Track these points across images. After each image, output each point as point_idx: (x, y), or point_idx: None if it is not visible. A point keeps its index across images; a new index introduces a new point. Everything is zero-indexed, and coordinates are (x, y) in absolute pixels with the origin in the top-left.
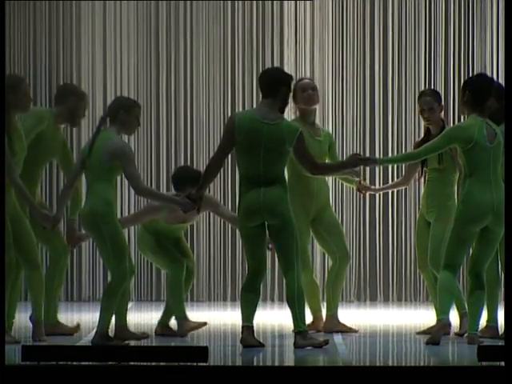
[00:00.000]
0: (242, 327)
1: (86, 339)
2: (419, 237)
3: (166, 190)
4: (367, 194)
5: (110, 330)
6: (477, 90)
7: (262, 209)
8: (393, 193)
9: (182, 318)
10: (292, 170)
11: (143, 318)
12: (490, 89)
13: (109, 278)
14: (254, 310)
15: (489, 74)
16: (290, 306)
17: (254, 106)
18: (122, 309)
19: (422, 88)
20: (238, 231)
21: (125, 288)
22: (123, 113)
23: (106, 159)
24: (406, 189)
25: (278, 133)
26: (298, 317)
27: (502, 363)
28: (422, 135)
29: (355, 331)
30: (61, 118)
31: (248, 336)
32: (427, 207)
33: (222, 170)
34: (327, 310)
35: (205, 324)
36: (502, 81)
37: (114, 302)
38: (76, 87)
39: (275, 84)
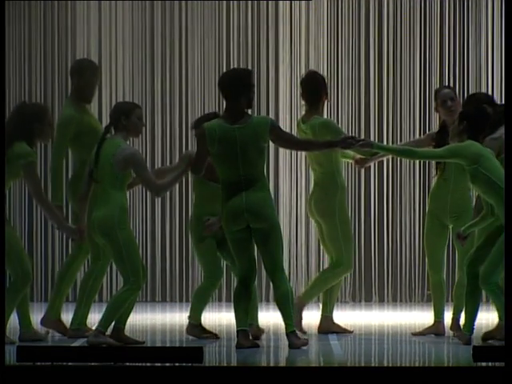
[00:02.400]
0: (237, 331)
1: (82, 340)
2: (431, 239)
3: None
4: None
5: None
6: (475, 124)
7: (246, 212)
8: (388, 193)
9: (195, 323)
10: (335, 166)
11: (137, 319)
12: (488, 121)
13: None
14: (247, 314)
15: (484, 74)
16: (280, 308)
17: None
18: (124, 312)
19: (418, 88)
20: None
21: None
22: (124, 118)
23: (119, 167)
24: (401, 190)
25: (250, 133)
26: (291, 317)
27: (497, 364)
28: (437, 128)
29: (350, 332)
30: (81, 98)
31: (243, 340)
32: (450, 212)
33: None
34: (323, 312)
35: (216, 337)
36: (497, 81)
37: (123, 305)
38: (75, 66)
39: (236, 87)
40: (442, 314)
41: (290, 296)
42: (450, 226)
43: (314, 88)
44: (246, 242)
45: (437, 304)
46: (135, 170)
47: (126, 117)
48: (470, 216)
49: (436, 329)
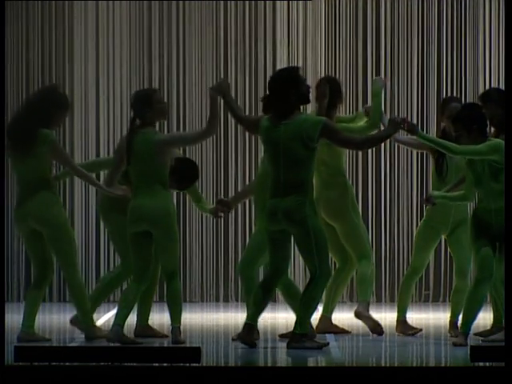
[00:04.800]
0: (245, 324)
1: (79, 340)
2: (421, 243)
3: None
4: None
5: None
6: (480, 125)
7: (281, 216)
8: (385, 195)
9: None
10: (341, 166)
11: (135, 319)
12: (483, 122)
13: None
14: (262, 310)
15: (481, 74)
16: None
17: (247, 105)
18: (126, 312)
19: (415, 88)
20: (230, 231)
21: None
22: (148, 110)
23: (164, 155)
24: (398, 191)
25: (295, 129)
26: (297, 319)
27: (495, 364)
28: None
29: (348, 332)
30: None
31: (247, 334)
32: (451, 223)
33: (220, 169)
34: (323, 311)
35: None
36: (494, 81)
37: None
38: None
39: (281, 85)
40: (405, 312)
41: (305, 297)
42: (444, 235)
43: (325, 95)
44: (281, 243)
45: (401, 304)
46: (182, 141)
47: (149, 107)
48: (467, 226)
49: (403, 327)
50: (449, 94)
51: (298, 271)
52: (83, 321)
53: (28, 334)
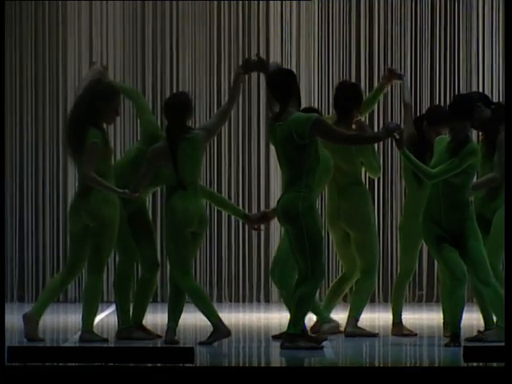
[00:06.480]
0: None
1: (72, 340)
2: (409, 236)
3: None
4: None
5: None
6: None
7: (278, 214)
8: (379, 196)
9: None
10: (359, 175)
11: None
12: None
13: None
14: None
15: (474, 73)
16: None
17: (240, 104)
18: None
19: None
20: (223, 230)
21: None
22: (187, 114)
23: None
24: (392, 191)
25: (286, 129)
26: (291, 318)
27: (490, 364)
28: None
29: (342, 332)
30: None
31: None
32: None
33: (219, 166)
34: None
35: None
36: (488, 81)
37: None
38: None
39: (272, 87)
40: (400, 314)
41: (296, 297)
42: None
43: (343, 100)
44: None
45: (395, 306)
46: (215, 128)
47: (190, 112)
48: None
49: (399, 329)
50: (441, 93)
51: None
52: (84, 323)
53: (33, 317)
